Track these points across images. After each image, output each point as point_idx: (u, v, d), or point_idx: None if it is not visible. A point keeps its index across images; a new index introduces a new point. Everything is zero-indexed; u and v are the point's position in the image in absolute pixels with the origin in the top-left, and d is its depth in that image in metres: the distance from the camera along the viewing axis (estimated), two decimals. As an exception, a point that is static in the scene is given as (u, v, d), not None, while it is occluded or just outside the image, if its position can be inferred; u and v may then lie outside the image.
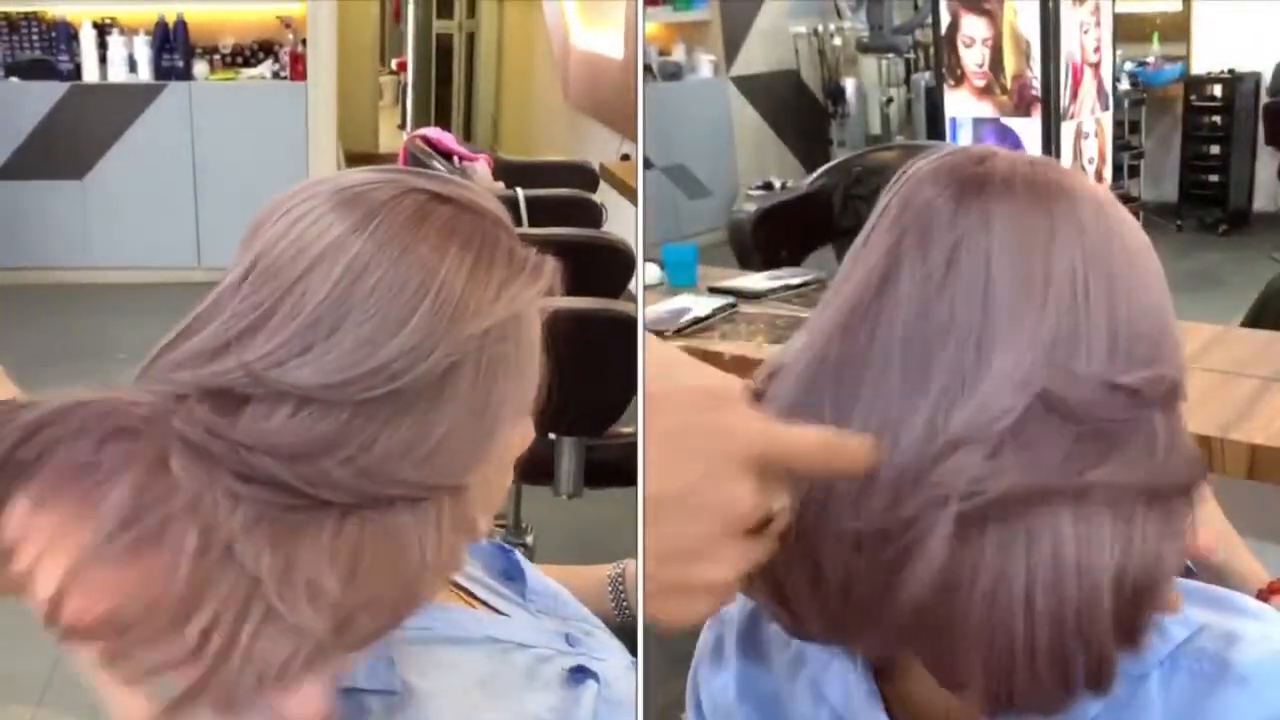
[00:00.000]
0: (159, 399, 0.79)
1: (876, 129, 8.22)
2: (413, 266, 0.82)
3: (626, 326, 2.57)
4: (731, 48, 8.36)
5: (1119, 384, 0.76)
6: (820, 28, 8.55)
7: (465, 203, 0.88)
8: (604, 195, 4.56)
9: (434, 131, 4.82)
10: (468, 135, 8.92)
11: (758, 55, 8.50)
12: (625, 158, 5.60)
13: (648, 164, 7.41)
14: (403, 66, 9.95)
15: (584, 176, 4.86)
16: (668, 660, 1.29)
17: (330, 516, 0.78)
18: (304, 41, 6.84)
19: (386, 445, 0.80)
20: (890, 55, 8.12)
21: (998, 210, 0.78)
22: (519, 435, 0.90)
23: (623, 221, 4.64)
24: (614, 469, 2.80)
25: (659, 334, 2.84)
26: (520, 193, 4.08)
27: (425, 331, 0.81)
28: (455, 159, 4.64)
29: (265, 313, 0.81)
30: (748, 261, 3.79)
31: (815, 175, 4.22)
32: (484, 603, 1.04)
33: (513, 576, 1.13)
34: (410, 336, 0.80)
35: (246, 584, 0.75)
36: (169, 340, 0.85)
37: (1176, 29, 8.15)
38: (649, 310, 2.98)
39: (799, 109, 8.67)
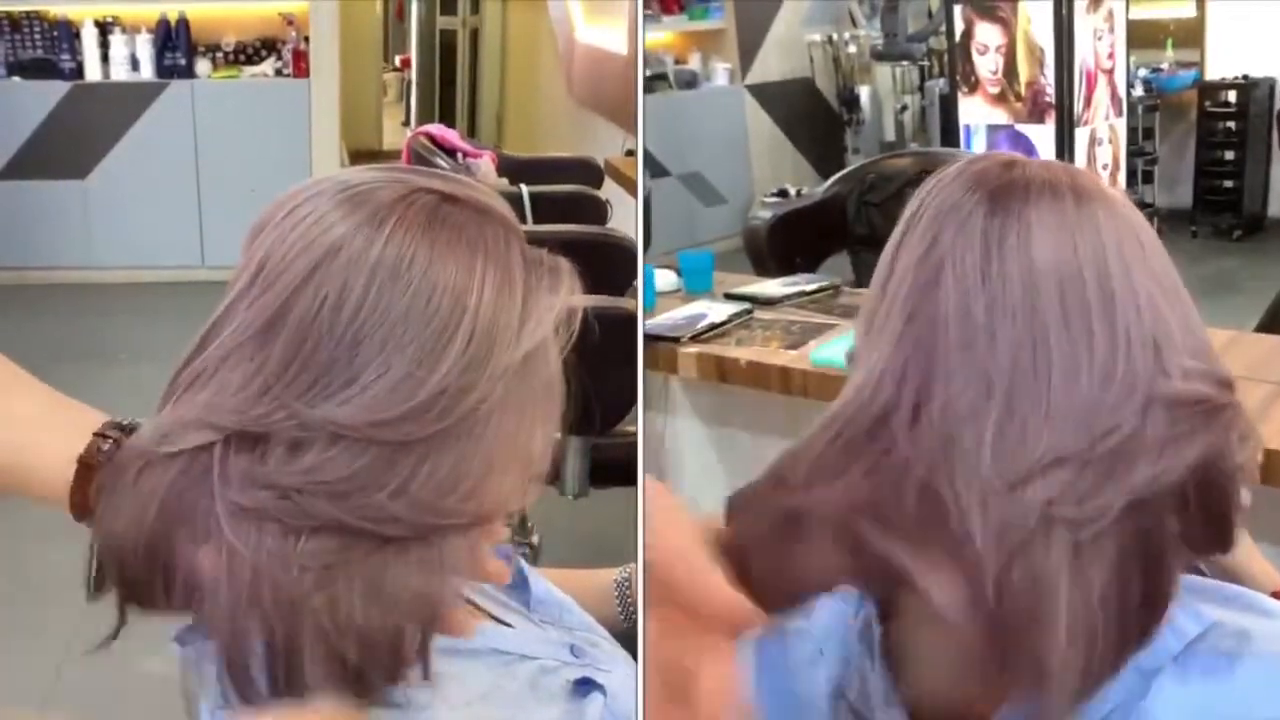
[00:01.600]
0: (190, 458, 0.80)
1: (891, 136, 8.21)
2: (441, 287, 0.80)
3: (632, 325, 2.57)
4: (747, 56, 8.36)
5: (1223, 378, 0.80)
6: (835, 36, 8.54)
7: (475, 204, 0.86)
8: (609, 191, 4.54)
9: (438, 128, 4.79)
10: (472, 132, 8.90)
11: (773, 63, 8.50)
12: (630, 153, 5.57)
13: (664, 171, 7.41)
14: (406, 63, 9.95)
15: (589, 172, 4.83)
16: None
17: (384, 553, 0.79)
18: (307, 38, 6.82)
19: (435, 477, 0.80)
20: (904, 63, 8.11)
21: (1036, 214, 0.79)
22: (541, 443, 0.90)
23: (628, 218, 4.62)
24: (620, 468, 2.79)
25: (675, 340, 2.85)
26: (525, 189, 4.06)
27: (464, 366, 0.80)
28: (459, 155, 4.62)
29: (274, 317, 0.80)
30: (763, 268, 3.80)
31: (829, 182, 4.23)
32: (488, 613, 1.03)
33: (517, 586, 1.12)
34: (450, 374, 0.79)
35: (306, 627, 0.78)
36: (188, 354, 0.84)
37: (1190, 35, 8.14)
38: (666, 317, 2.99)
39: (814, 116, 8.67)
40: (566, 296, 0.88)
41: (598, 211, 4.16)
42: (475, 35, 9.23)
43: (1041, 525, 0.73)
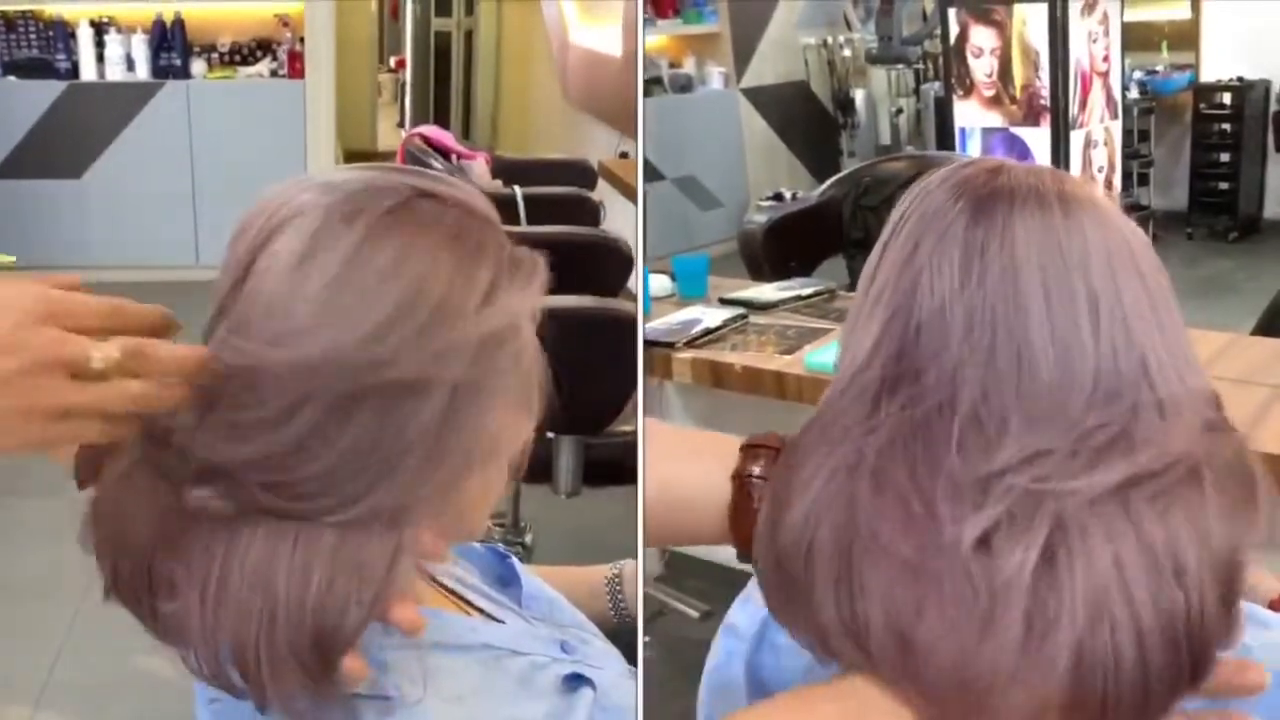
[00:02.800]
0: None
1: (886, 139, 8.22)
2: (402, 272, 0.82)
3: (625, 325, 2.57)
4: (742, 60, 8.36)
5: (1208, 394, 0.79)
6: (830, 39, 8.55)
7: (450, 199, 0.88)
8: (602, 193, 4.55)
9: (432, 129, 4.79)
10: (466, 133, 8.89)
11: (768, 67, 8.50)
12: (624, 155, 5.58)
13: (659, 175, 7.41)
14: (401, 64, 9.93)
15: (582, 174, 4.84)
16: (676, 672, 1.30)
17: (347, 547, 0.81)
18: (302, 39, 6.81)
19: (350, 451, 0.81)
20: (899, 66, 8.12)
21: (1020, 222, 0.79)
22: (518, 438, 0.92)
23: (621, 219, 4.62)
24: (613, 467, 2.80)
25: (670, 345, 2.84)
26: (518, 191, 4.08)
27: (414, 338, 0.82)
28: (453, 157, 4.62)
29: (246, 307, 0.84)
30: (758, 272, 3.80)
31: (825, 186, 4.23)
32: (479, 609, 1.04)
33: (508, 582, 1.14)
34: (399, 347, 0.82)
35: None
36: None
37: (1185, 37, 8.14)
38: (660, 322, 2.98)
39: (809, 120, 8.67)
40: (538, 294, 0.90)
41: (591, 213, 4.16)
42: (470, 37, 9.20)
43: (1029, 502, 0.72)
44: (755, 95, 8.43)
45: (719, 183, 8.04)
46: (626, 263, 3.35)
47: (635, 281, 3.22)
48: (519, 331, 0.88)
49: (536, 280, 0.89)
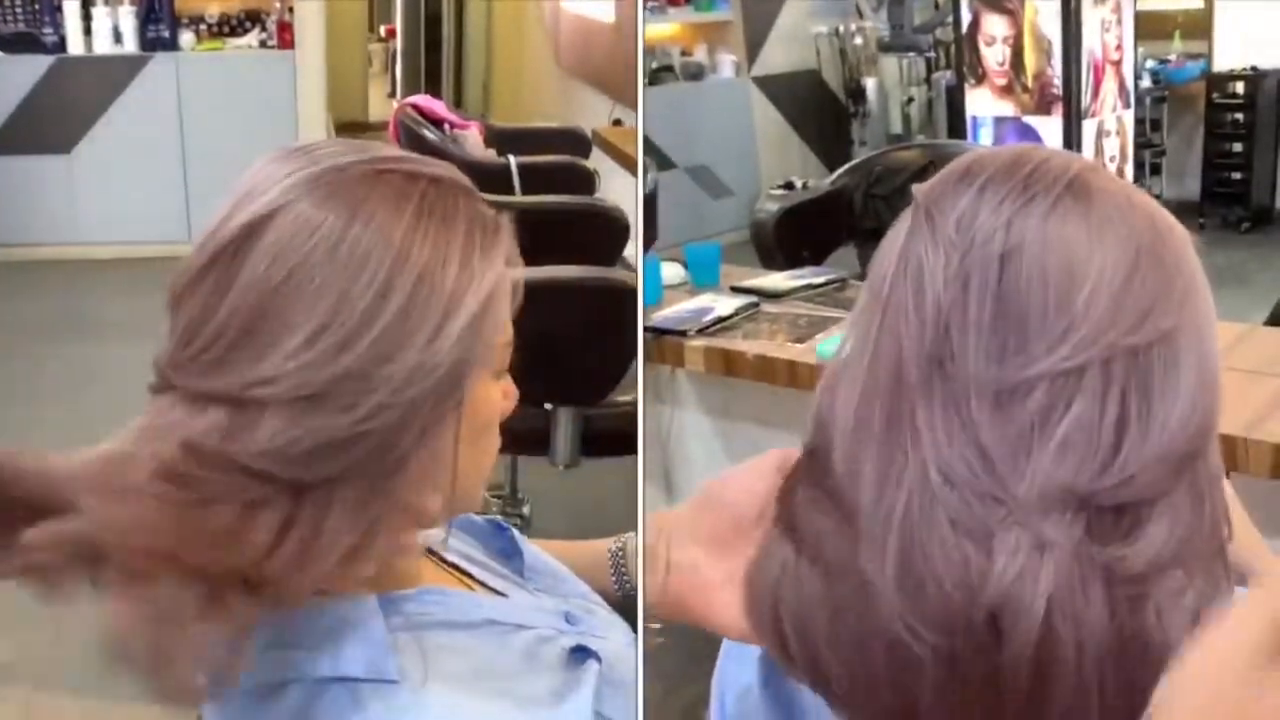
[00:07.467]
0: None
1: (898, 128, 8.19)
2: (376, 252, 0.82)
3: (619, 294, 2.56)
4: (753, 48, 8.34)
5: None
6: (841, 27, 8.52)
7: (416, 173, 0.88)
8: (597, 161, 4.54)
9: (424, 99, 4.77)
10: (458, 102, 8.82)
11: (779, 55, 8.48)
12: (618, 123, 5.56)
13: (671, 164, 7.40)
14: (391, 33, 9.89)
15: (577, 142, 4.84)
16: (689, 659, 1.29)
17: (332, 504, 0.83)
18: (291, 9, 6.77)
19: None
20: (911, 54, 8.09)
21: (1047, 222, 0.75)
22: (491, 397, 0.91)
23: (616, 187, 4.61)
24: (611, 438, 2.78)
25: (682, 333, 2.84)
26: (513, 160, 4.08)
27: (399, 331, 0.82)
28: (446, 127, 4.61)
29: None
30: (770, 261, 3.80)
31: (836, 175, 4.23)
32: (482, 583, 1.04)
33: (510, 554, 1.13)
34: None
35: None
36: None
37: (1198, 26, 8.11)
38: (672, 310, 2.99)
39: (820, 109, 8.65)
40: (506, 260, 0.89)
41: (586, 182, 4.16)
42: (460, 3, 9.10)
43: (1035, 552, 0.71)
44: (767, 84, 8.41)
45: (730, 171, 8.03)
46: (622, 231, 3.34)
47: (636, 253, 3.21)
48: (498, 302, 0.88)
49: (501, 244, 0.89)
